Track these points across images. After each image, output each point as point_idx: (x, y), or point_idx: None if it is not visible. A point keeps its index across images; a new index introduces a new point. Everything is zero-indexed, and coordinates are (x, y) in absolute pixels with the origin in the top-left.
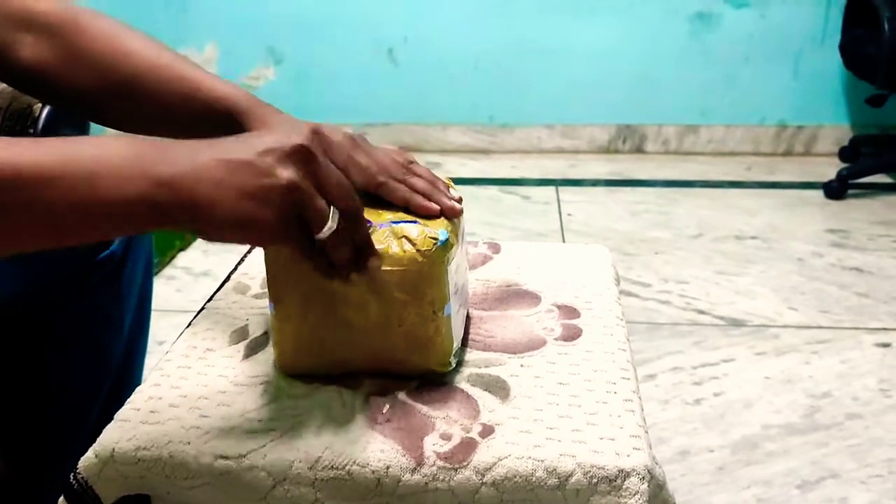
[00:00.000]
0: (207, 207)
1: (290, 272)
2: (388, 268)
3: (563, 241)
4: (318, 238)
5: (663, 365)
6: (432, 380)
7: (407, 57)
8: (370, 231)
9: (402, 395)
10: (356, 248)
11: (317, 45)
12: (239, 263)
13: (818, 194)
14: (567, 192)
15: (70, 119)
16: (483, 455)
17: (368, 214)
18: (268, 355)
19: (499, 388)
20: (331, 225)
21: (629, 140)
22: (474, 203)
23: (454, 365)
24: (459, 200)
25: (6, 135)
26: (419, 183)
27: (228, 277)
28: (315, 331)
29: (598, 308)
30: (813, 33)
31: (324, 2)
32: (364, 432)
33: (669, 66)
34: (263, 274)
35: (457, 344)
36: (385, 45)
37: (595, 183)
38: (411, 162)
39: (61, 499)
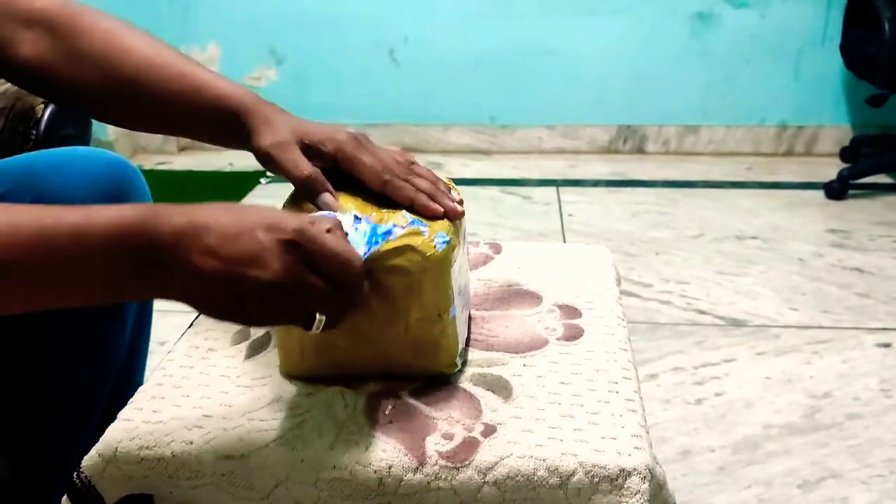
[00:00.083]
0: (197, 307)
1: None
2: (393, 274)
3: (564, 242)
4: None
5: (664, 365)
6: (434, 380)
7: (408, 57)
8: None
9: (404, 395)
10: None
11: (318, 46)
12: None
13: (819, 194)
14: (568, 193)
15: (72, 119)
16: (485, 454)
17: (369, 211)
18: (270, 356)
19: (501, 387)
20: (316, 327)
21: (630, 140)
22: (475, 203)
23: (460, 366)
24: (460, 202)
25: (9, 136)
26: (422, 183)
27: None
28: (321, 336)
29: (600, 308)
30: (813, 33)
31: (325, 2)
32: (366, 432)
33: (670, 66)
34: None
35: (461, 345)
36: (386, 46)
37: (596, 183)
38: (412, 162)
39: (65, 498)
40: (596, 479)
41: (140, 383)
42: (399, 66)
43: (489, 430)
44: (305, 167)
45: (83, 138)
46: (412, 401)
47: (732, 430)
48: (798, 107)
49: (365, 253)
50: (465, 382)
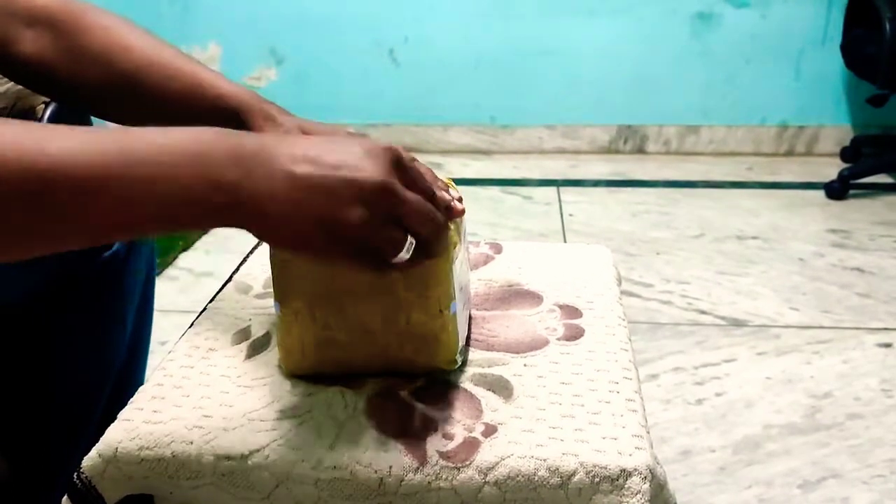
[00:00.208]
0: (273, 223)
1: (296, 272)
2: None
3: (565, 242)
4: (391, 262)
5: (665, 365)
6: (435, 379)
7: (408, 57)
8: None
9: (404, 395)
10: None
11: (318, 46)
12: (241, 264)
13: (819, 194)
14: (568, 193)
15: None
16: (486, 454)
17: None
18: (270, 356)
19: (502, 387)
20: (402, 256)
21: (630, 140)
22: (476, 203)
23: (460, 362)
24: (460, 200)
25: None
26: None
27: (231, 277)
28: (322, 331)
29: (600, 308)
30: (814, 33)
31: (325, 2)
32: (367, 432)
33: (670, 66)
34: (266, 274)
35: (462, 342)
36: (386, 46)
37: (596, 183)
38: (413, 160)
39: (65, 498)
40: (597, 480)
41: (140, 383)
42: (399, 66)
43: (490, 430)
44: None
45: None
46: (413, 401)
47: (733, 430)
48: (799, 107)
49: None
50: (465, 382)
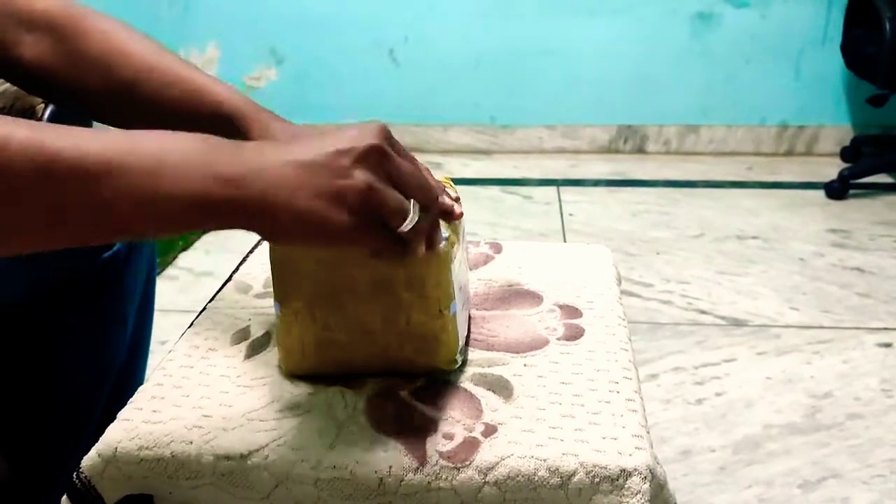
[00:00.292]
0: (279, 209)
1: (296, 272)
2: (395, 269)
3: (565, 241)
4: (400, 231)
5: (665, 365)
6: (435, 379)
7: (408, 57)
8: None
9: (404, 395)
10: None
11: (318, 46)
12: (241, 263)
13: (819, 194)
14: (568, 193)
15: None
16: (486, 454)
17: None
18: (270, 355)
19: (502, 387)
20: (412, 217)
21: (630, 140)
22: (475, 203)
23: (460, 363)
24: (457, 200)
25: None
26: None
27: (230, 277)
28: (322, 331)
29: (600, 308)
30: (814, 33)
31: (325, 2)
32: (366, 432)
33: (670, 66)
34: (265, 274)
35: (461, 342)
36: (386, 46)
37: (596, 183)
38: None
39: (64, 498)
40: (597, 480)
41: (140, 383)
42: (399, 66)
43: (490, 430)
44: None
45: None
46: (412, 401)
47: (733, 429)
48: (799, 107)
49: None
50: (465, 382)
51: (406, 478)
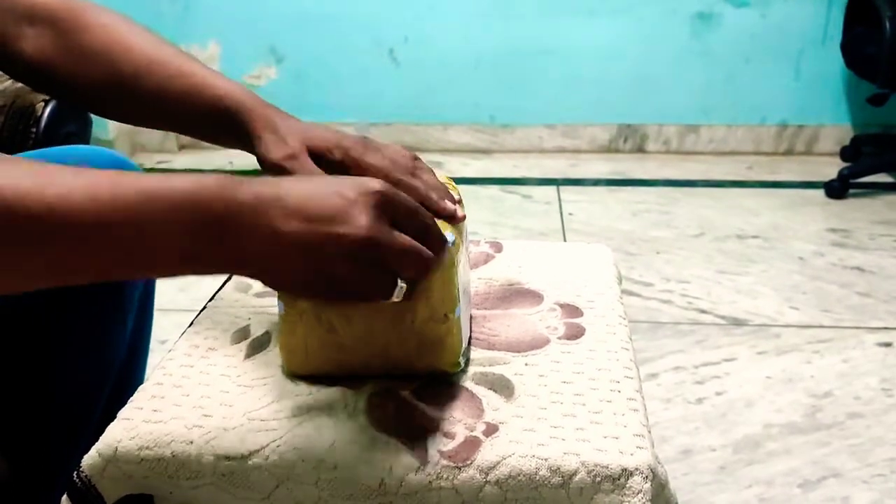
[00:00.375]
0: (261, 277)
1: None
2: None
3: (565, 241)
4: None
5: (665, 364)
6: (436, 379)
7: (408, 57)
8: None
9: (405, 395)
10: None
11: (318, 45)
12: None
13: (819, 194)
14: (568, 192)
15: (72, 117)
16: (487, 454)
17: None
18: (270, 355)
19: (503, 386)
20: (393, 298)
21: (630, 140)
22: (476, 202)
23: (463, 365)
24: (460, 201)
25: (9, 134)
26: (429, 182)
27: (230, 276)
28: (327, 332)
29: (601, 307)
30: (814, 33)
31: (325, 1)
32: (367, 432)
33: (670, 65)
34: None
35: (465, 344)
36: (386, 45)
37: (596, 182)
38: (416, 158)
39: (64, 498)
40: (598, 479)
41: (140, 382)
42: (399, 66)
43: (491, 430)
44: None
45: (83, 136)
46: (413, 400)
47: (733, 429)
48: (799, 106)
49: None
50: (466, 381)
51: (407, 477)
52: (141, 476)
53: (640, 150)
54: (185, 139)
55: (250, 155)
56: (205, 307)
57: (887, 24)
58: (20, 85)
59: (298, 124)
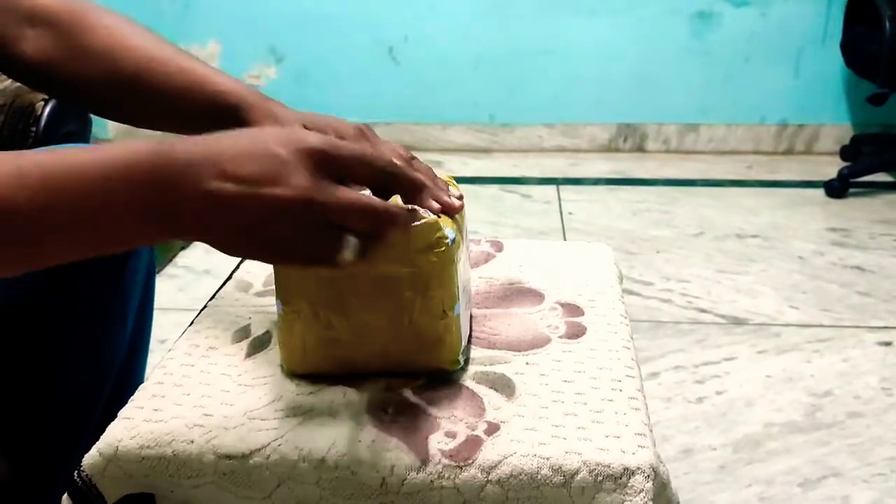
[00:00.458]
0: (204, 239)
1: (299, 270)
2: (399, 268)
3: (564, 240)
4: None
5: (665, 363)
6: (437, 378)
7: (408, 56)
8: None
9: (406, 394)
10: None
11: (318, 44)
12: (241, 262)
13: (819, 193)
14: (568, 191)
15: (72, 116)
16: (488, 453)
17: None
18: (270, 354)
19: (504, 385)
20: (347, 255)
21: (630, 139)
22: (475, 202)
23: (462, 363)
24: (460, 197)
25: (8, 133)
26: (429, 175)
27: (230, 276)
28: (325, 330)
29: (602, 306)
30: (814, 32)
31: (325, 1)
32: (369, 431)
33: (670, 64)
34: (265, 272)
35: (464, 342)
36: (386, 44)
37: (596, 182)
38: (413, 157)
39: (65, 497)
40: (600, 478)
41: (140, 382)
42: (399, 65)
43: (492, 429)
44: None
45: (83, 135)
46: (415, 399)
47: (733, 428)
48: (798, 105)
49: None
50: (467, 381)
51: (408, 477)
52: (142, 475)
53: (640, 149)
54: None
55: None
56: (205, 306)
57: (887, 24)
58: (20, 84)
59: (297, 114)
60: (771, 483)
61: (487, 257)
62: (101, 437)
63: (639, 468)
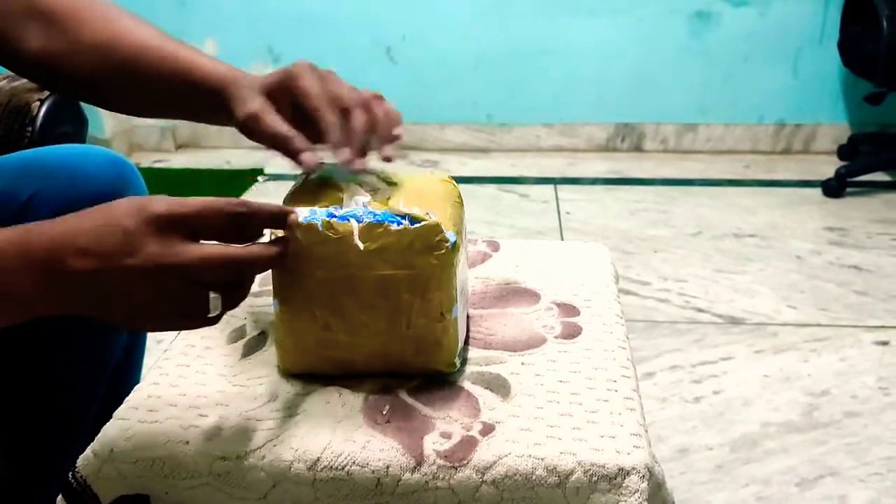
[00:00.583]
0: (79, 314)
1: (297, 271)
2: (397, 270)
3: (562, 240)
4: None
5: (662, 363)
6: (433, 378)
7: (405, 56)
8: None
9: (402, 394)
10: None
11: (315, 44)
12: None
13: (817, 192)
14: (566, 191)
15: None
16: (483, 453)
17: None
18: (266, 355)
19: (499, 386)
20: (213, 312)
21: (628, 139)
22: (473, 202)
23: (459, 365)
24: (459, 196)
25: (4, 133)
26: (359, 120)
27: None
28: (322, 331)
29: (598, 306)
30: (812, 31)
31: (323, 0)
32: (364, 431)
33: (668, 64)
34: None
35: (461, 344)
36: (383, 44)
37: (594, 181)
38: (377, 97)
39: (60, 498)
40: (594, 479)
41: (136, 382)
42: (396, 65)
43: (487, 429)
44: (272, 118)
45: (79, 136)
46: (410, 400)
47: (730, 428)
48: (796, 105)
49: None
50: (463, 381)
51: (403, 477)
52: (136, 476)
53: (638, 149)
54: (183, 139)
55: (248, 154)
56: None
57: (885, 23)
58: (16, 84)
59: (257, 78)
60: (768, 483)
61: (484, 257)
62: (96, 437)
63: (634, 468)
